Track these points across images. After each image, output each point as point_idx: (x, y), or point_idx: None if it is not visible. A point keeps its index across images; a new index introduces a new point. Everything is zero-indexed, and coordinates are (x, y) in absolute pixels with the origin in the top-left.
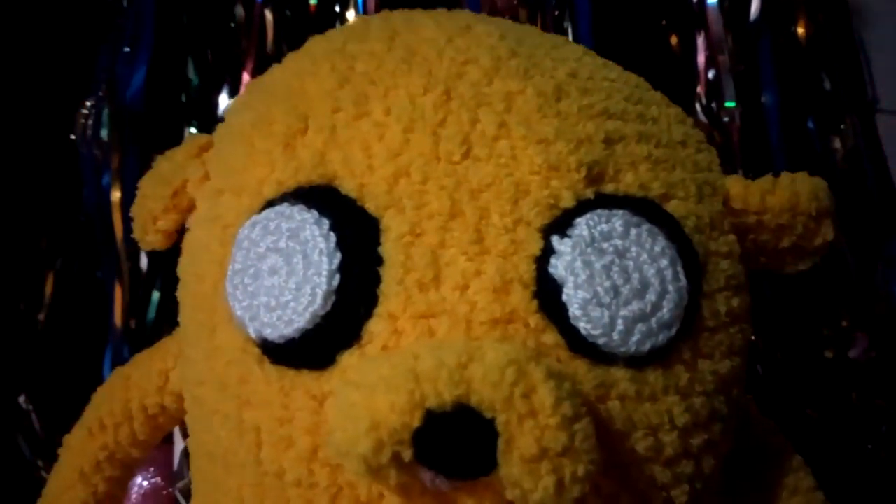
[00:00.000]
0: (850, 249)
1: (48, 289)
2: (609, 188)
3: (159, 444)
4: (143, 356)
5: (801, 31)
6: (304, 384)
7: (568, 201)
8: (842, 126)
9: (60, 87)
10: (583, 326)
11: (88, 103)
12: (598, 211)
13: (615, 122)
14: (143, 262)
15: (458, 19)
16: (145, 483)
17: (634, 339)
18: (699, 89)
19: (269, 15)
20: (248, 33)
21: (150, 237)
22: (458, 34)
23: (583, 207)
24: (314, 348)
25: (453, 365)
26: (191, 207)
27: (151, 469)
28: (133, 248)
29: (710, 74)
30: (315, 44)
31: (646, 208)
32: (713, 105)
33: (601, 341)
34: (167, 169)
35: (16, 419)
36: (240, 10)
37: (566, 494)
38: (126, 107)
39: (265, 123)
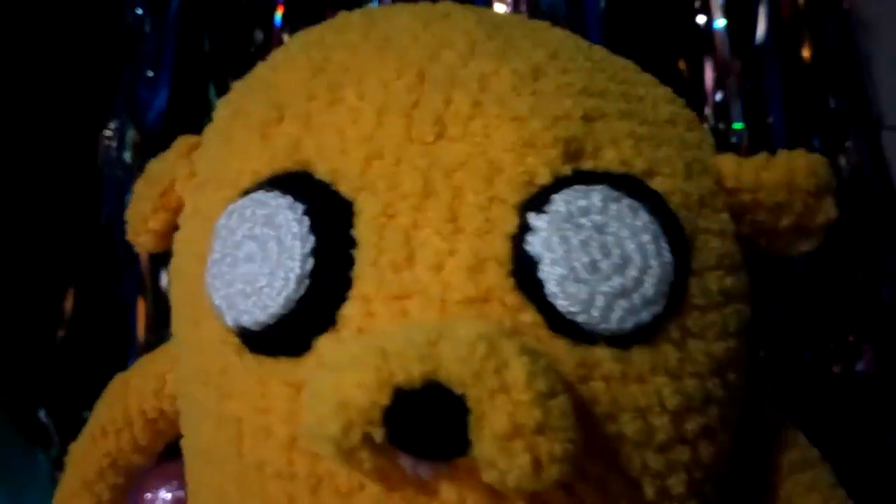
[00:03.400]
0: (857, 264)
1: (68, 305)
2: (588, 164)
3: (182, 458)
4: (143, 360)
5: (806, 53)
6: (280, 372)
7: (544, 178)
8: (847, 144)
9: (84, 110)
10: (560, 303)
11: (112, 126)
12: (576, 187)
13: (595, 99)
14: (164, 280)
15: (438, 8)
16: (168, 496)
17: (616, 315)
18: (707, 111)
19: (287, 39)
20: (267, 57)
21: (142, 238)
22: (435, 21)
23: (560, 184)
24: (290, 334)
25: (422, 342)
26: (180, 206)
27: (175, 482)
28: (155, 265)
29: (718, 96)
30: (295, 39)
31: (627, 184)
32: (721, 126)
33: (580, 318)
34: (157, 170)
35: (35, 433)
36: (259, 35)
37: (544, 475)
38: (148, 129)
39: (243, 116)
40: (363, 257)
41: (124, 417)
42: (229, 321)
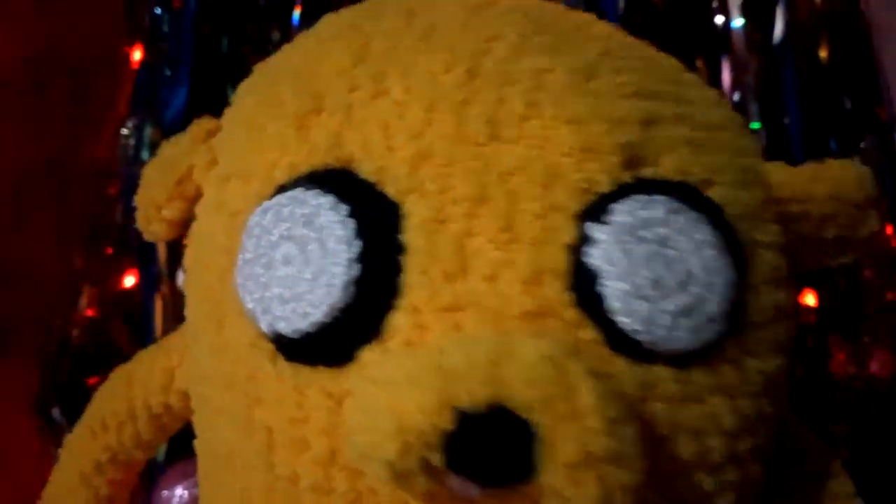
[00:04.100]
0: (871, 265)
1: (84, 302)
2: (647, 172)
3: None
4: (146, 353)
5: (822, 53)
6: (320, 382)
7: (604, 185)
8: (862, 145)
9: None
10: (622, 321)
11: (130, 124)
12: (637, 196)
13: (651, 102)
14: (181, 278)
15: None
16: (185, 493)
17: (679, 334)
18: None
19: None
20: (291, 41)
21: (154, 227)
22: (481, 9)
23: (620, 192)
24: (331, 343)
25: (485, 361)
26: (197, 195)
27: (192, 479)
28: (173, 263)
29: (736, 96)
30: (326, 23)
31: (687, 194)
32: None
33: (642, 337)
34: (172, 155)
35: (50, 431)
36: (276, 34)
37: None
38: (166, 127)
39: (275, 105)
40: (413, 265)
41: (128, 411)
42: (263, 327)
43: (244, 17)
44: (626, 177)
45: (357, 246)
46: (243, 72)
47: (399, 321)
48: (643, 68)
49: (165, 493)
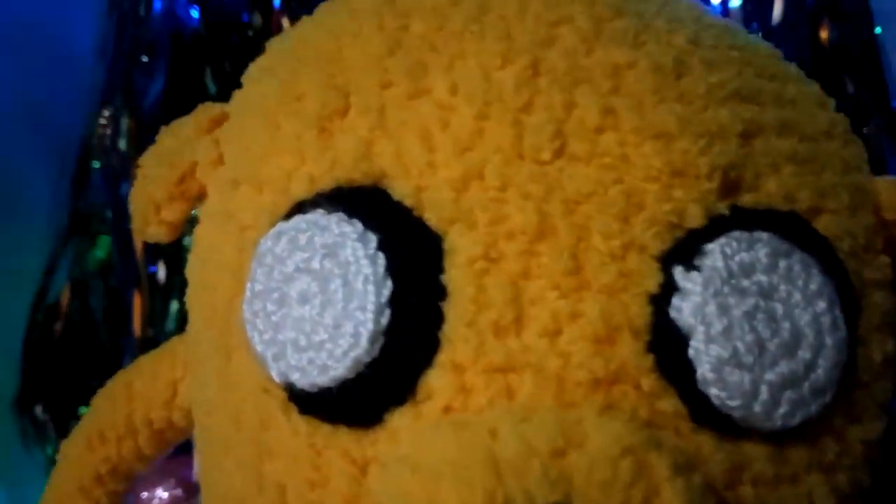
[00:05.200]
0: None
1: (64, 299)
2: (747, 200)
3: (180, 456)
4: (147, 361)
5: (823, 34)
6: (341, 444)
7: (696, 219)
8: (865, 130)
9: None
10: (716, 394)
11: (106, 113)
12: (736, 233)
13: (751, 107)
14: (161, 272)
15: None
16: (165, 495)
17: (781, 410)
18: None
19: (286, 23)
20: (265, 41)
21: (152, 229)
22: None
23: (715, 228)
24: (355, 403)
25: (547, 452)
26: (201, 195)
27: (171, 480)
28: (152, 257)
29: None
30: None
31: (794, 228)
32: None
33: (738, 413)
34: (173, 147)
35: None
36: (257, 18)
37: None
38: (144, 116)
39: (293, 98)
40: (456, 313)
41: (127, 425)
42: (274, 375)
43: (223, 1)
44: (722, 207)
45: (388, 288)
46: (222, 57)
47: (437, 381)
48: (738, 60)
49: (145, 494)
